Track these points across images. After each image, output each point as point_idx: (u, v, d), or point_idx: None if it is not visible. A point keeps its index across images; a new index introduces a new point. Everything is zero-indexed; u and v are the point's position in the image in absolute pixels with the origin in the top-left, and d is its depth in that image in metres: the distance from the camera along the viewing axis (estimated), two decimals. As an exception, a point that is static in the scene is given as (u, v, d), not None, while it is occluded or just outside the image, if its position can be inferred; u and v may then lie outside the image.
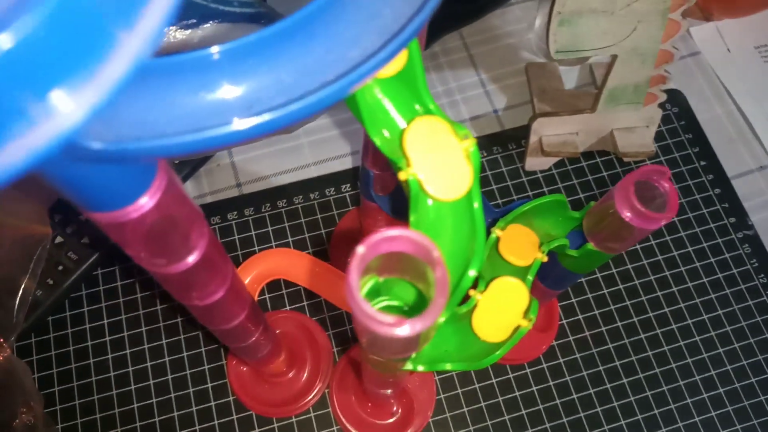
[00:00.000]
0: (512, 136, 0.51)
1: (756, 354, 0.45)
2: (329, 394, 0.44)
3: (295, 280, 0.45)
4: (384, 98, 0.21)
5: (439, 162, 0.20)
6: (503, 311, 0.26)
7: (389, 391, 0.41)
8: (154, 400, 0.43)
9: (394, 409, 0.43)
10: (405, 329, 0.16)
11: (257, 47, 0.16)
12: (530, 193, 0.49)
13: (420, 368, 0.24)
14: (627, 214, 0.27)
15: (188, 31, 0.39)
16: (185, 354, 0.44)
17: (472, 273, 0.20)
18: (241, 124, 0.15)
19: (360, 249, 0.16)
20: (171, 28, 0.39)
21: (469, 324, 0.26)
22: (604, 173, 0.50)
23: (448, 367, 0.25)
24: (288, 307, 0.46)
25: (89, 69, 0.09)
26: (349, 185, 0.50)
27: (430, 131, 0.21)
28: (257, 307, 0.31)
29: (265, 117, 0.15)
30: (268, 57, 0.16)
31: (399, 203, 0.37)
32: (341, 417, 0.43)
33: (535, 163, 0.50)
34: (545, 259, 0.29)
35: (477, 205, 0.21)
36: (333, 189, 0.50)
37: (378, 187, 0.37)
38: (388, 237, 0.16)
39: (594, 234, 0.30)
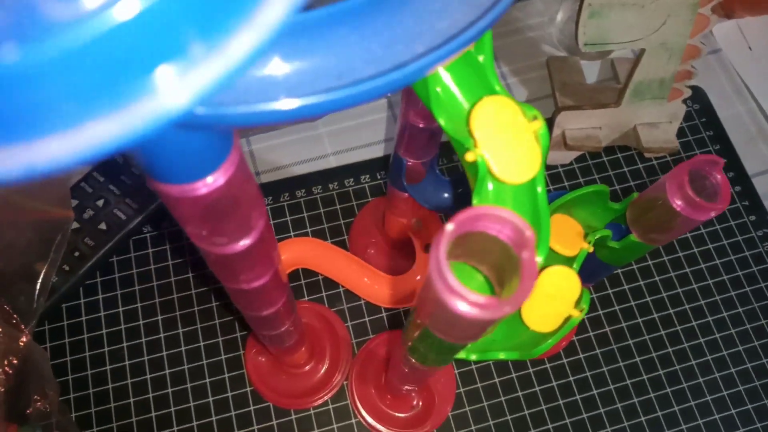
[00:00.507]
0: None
1: (776, 352, 0.45)
2: (348, 387, 0.43)
3: (317, 269, 0.44)
4: (449, 78, 0.21)
5: (507, 143, 0.20)
6: (553, 301, 0.25)
7: (413, 386, 0.41)
8: (169, 390, 0.42)
9: (415, 402, 0.43)
10: (495, 311, 0.15)
11: (347, 15, 0.15)
12: (551, 187, 0.49)
13: (473, 357, 0.24)
14: (678, 203, 0.26)
15: None
16: (202, 344, 0.43)
17: (538, 260, 0.20)
18: (333, 94, 0.14)
19: (449, 226, 0.15)
20: None
21: (518, 313, 0.25)
22: (625, 169, 0.50)
23: (501, 356, 0.24)
24: (307, 298, 0.45)
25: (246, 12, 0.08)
26: (368, 176, 0.49)
27: (497, 111, 0.20)
28: (292, 295, 0.30)
29: (355, 89, 0.14)
30: (358, 26, 0.15)
31: (430, 192, 0.37)
32: (360, 409, 0.42)
33: (556, 157, 0.49)
34: (591, 249, 0.28)
35: (541, 189, 0.20)
36: (352, 180, 0.49)
37: (409, 177, 0.36)
38: (477, 215, 0.15)
39: (638, 225, 0.29)
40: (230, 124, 0.13)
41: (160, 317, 0.44)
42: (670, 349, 0.45)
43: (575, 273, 0.25)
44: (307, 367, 0.43)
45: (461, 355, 0.24)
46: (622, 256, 0.32)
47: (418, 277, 0.45)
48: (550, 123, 0.48)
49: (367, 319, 0.45)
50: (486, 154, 0.20)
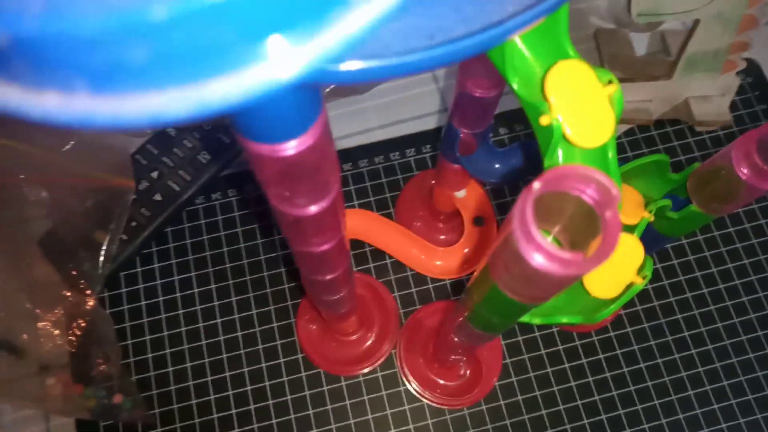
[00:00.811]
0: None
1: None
2: (396, 355, 0.44)
3: (367, 240, 0.45)
4: (523, 42, 0.21)
5: (582, 107, 0.20)
6: (616, 267, 0.25)
7: (461, 356, 0.41)
8: (224, 356, 0.43)
9: (462, 372, 0.43)
10: (579, 267, 0.15)
11: None
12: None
13: (536, 321, 0.24)
14: (744, 171, 0.26)
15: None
16: (254, 311, 0.45)
17: None
18: (427, 53, 0.14)
19: (536, 184, 0.15)
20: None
21: (580, 280, 0.26)
22: (675, 143, 0.49)
23: (564, 320, 0.24)
24: (355, 269, 0.46)
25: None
26: (413, 150, 0.49)
27: (572, 75, 0.20)
28: (352, 262, 0.31)
29: (448, 48, 0.14)
30: None
31: (482, 163, 0.37)
32: (408, 377, 0.43)
33: (605, 130, 0.49)
34: (652, 218, 0.28)
35: (612, 154, 0.21)
36: (398, 153, 0.49)
37: (462, 148, 0.36)
38: (564, 173, 0.16)
39: (699, 195, 0.29)
40: (340, 81, 0.14)
41: (213, 286, 0.45)
42: (719, 324, 0.44)
43: (638, 240, 0.25)
44: (356, 336, 0.44)
45: (525, 318, 0.24)
46: (680, 227, 0.32)
47: (466, 250, 0.46)
48: (598, 96, 0.48)
49: (414, 290, 0.45)
50: (560, 118, 0.20)
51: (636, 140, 0.49)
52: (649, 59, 0.51)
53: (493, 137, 0.50)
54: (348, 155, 0.49)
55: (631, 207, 0.29)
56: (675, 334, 0.44)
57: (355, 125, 0.50)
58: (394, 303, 0.45)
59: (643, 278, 0.25)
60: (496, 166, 0.37)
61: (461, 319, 0.29)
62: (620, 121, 0.47)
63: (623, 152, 0.49)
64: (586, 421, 0.42)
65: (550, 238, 0.21)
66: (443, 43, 0.15)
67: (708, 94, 0.47)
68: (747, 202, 0.28)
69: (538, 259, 0.15)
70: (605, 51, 0.51)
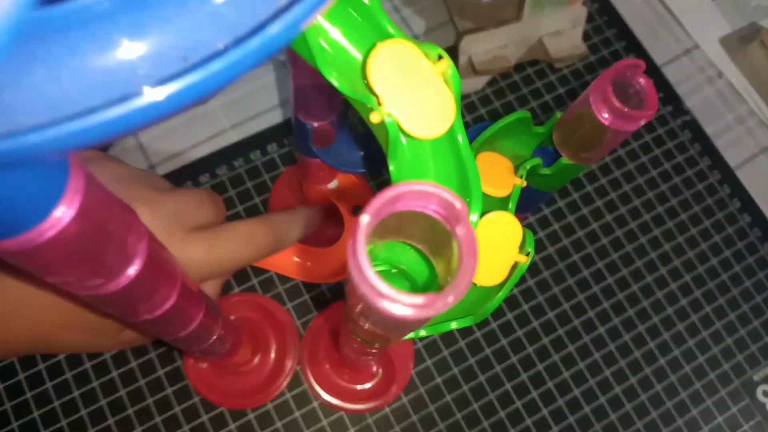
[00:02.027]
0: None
1: (702, 221, 0.45)
2: (302, 370, 0.40)
3: None
4: (332, 27, 0.17)
5: (415, 94, 0.17)
6: (496, 250, 0.23)
7: (370, 357, 0.38)
8: (110, 421, 0.38)
9: (375, 369, 0.41)
10: (436, 306, 0.13)
11: None
12: (468, 118, 0.47)
13: (422, 333, 0.22)
14: (605, 116, 0.24)
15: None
16: (134, 364, 0.40)
17: (473, 217, 0.17)
18: (183, 81, 0.10)
19: (364, 218, 0.12)
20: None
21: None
22: (538, 83, 0.48)
23: (453, 326, 0.22)
24: (237, 289, 0.42)
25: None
26: (275, 144, 0.45)
27: (396, 58, 0.17)
28: (211, 300, 0.27)
29: (206, 71, 0.11)
30: None
31: (346, 154, 0.33)
32: (319, 391, 0.40)
33: (467, 85, 0.47)
34: (524, 183, 0.26)
35: (462, 138, 0.18)
36: (258, 151, 0.45)
37: (317, 140, 0.33)
38: (395, 196, 0.12)
39: (567, 146, 0.27)
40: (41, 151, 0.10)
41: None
42: (625, 272, 0.44)
43: (513, 216, 0.23)
44: (255, 362, 0.40)
45: (409, 335, 0.21)
46: (556, 181, 0.30)
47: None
48: (454, 50, 0.46)
49: (307, 296, 0.42)
50: (393, 111, 0.17)
51: (500, 89, 0.48)
52: (496, 3, 0.49)
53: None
54: (204, 165, 0.44)
55: (501, 176, 0.26)
56: (570, 299, 0.43)
57: (204, 130, 0.45)
58: (288, 316, 0.41)
59: (527, 255, 0.23)
60: (361, 153, 0.34)
61: (347, 332, 0.26)
62: (480, 72, 0.45)
63: (489, 104, 0.47)
64: (508, 386, 0.41)
65: (412, 250, 0.18)
66: (200, 62, 0.11)
67: (560, 29, 0.46)
68: (614, 145, 0.27)
69: (387, 309, 0.12)
70: (452, 3, 0.48)
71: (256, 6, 0.11)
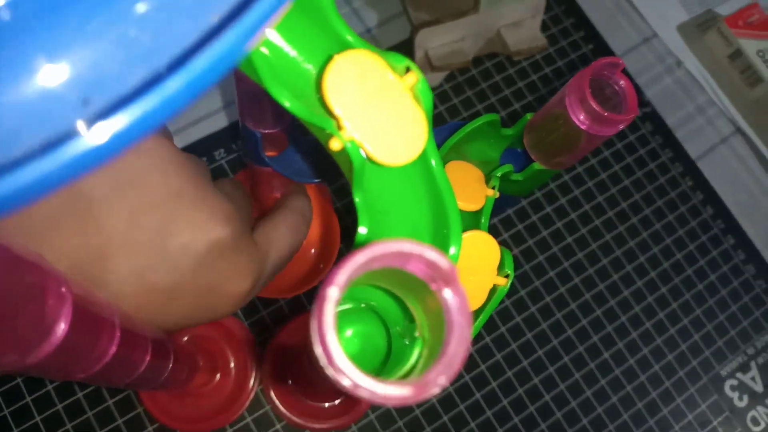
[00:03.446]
0: (393, 55, 0.46)
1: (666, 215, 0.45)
2: (264, 390, 0.38)
3: None
4: (279, 37, 0.15)
5: (380, 114, 0.15)
6: (473, 272, 0.21)
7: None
8: (55, 462, 0.35)
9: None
10: (427, 394, 0.10)
11: None
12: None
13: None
14: (581, 119, 0.23)
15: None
16: (80, 394, 0.36)
17: (453, 251, 0.15)
18: (100, 130, 0.08)
19: (331, 292, 0.10)
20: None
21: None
22: (497, 77, 0.46)
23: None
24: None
25: None
26: (223, 150, 0.42)
27: (357, 72, 0.15)
28: (159, 336, 0.24)
29: (119, 121, 0.08)
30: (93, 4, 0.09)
31: (300, 162, 0.31)
32: (284, 411, 0.37)
33: (425, 81, 0.45)
34: (497, 194, 0.24)
35: (435, 162, 0.16)
36: (205, 159, 0.42)
37: (268, 148, 0.30)
38: (366, 261, 0.10)
39: (539, 150, 0.26)
40: None
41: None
42: (591, 271, 0.43)
43: (489, 236, 0.21)
44: (215, 382, 0.38)
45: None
46: (526, 187, 0.29)
47: (313, 251, 0.40)
48: (409, 44, 0.43)
49: (264, 312, 0.39)
50: (356, 136, 0.14)
51: (458, 84, 0.46)
52: (451, -7, 0.47)
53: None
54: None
55: (472, 187, 0.24)
56: (537, 302, 0.42)
57: (145, 137, 0.42)
58: (246, 333, 0.39)
59: (506, 277, 0.21)
60: (315, 160, 0.31)
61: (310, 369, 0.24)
62: (437, 68, 0.43)
63: (448, 100, 0.45)
64: (462, 407, 0.39)
65: (383, 294, 0.16)
66: (111, 106, 0.09)
67: (518, 20, 0.44)
68: (589, 150, 0.25)
69: (366, 397, 0.10)
70: (405, -7, 0.46)
71: (179, 28, 0.09)
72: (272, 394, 0.38)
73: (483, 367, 0.40)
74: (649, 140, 0.46)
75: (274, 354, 0.39)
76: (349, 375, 0.10)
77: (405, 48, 0.45)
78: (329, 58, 0.15)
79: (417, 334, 0.14)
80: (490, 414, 0.39)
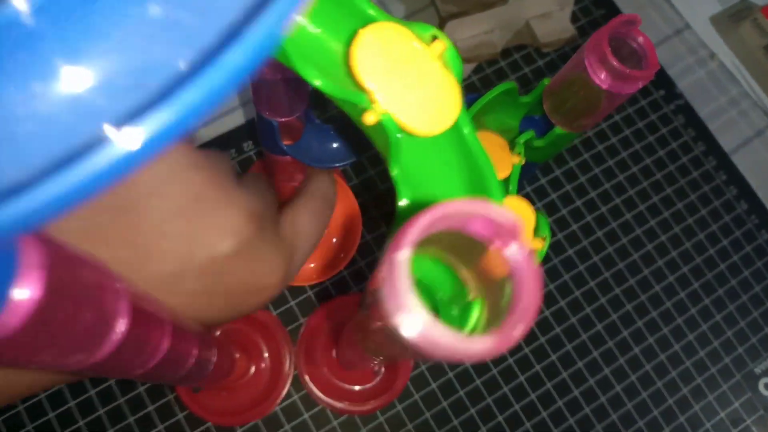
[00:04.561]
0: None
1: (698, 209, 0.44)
2: (299, 375, 0.38)
3: None
4: (305, 19, 0.15)
5: (411, 83, 0.15)
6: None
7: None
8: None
9: (376, 369, 0.39)
10: (505, 346, 0.10)
11: None
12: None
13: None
14: (602, 78, 0.22)
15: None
16: (121, 400, 0.37)
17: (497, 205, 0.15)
18: (151, 124, 0.08)
19: (403, 254, 0.10)
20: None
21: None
22: (526, 69, 0.46)
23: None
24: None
25: None
26: (233, 150, 0.42)
27: (384, 45, 0.15)
28: (202, 330, 0.24)
29: (192, 96, 0.08)
30: None
31: (315, 148, 0.31)
32: (319, 395, 0.38)
33: (452, 73, 0.45)
34: (523, 161, 0.24)
35: (468, 130, 0.15)
36: (234, 150, 0.42)
37: (286, 136, 0.30)
38: (429, 223, 0.10)
39: (559, 114, 0.26)
40: None
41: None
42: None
43: (523, 200, 0.21)
44: (252, 371, 0.38)
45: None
46: (549, 152, 0.29)
47: (334, 239, 0.40)
48: (437, 37, 0.43)
49: (293, 303, 0.40)
50: (390, 108, 0.14)
51: (486, 76, 0.45)
52: (480, -15, 0.47)
53: (325, 111, 0.44)
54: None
55: (498, 156, 0.25)
56: (566, 296, 0.42)
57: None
58: (276, 321, 0.39)
59: (543, 240, 0.21)
60: (334, 145, 0.31)
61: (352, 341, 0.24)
62: (465, 60, 0.43)
63: (476, 92, 0.45)
64: (506, 389, 0.39)
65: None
66: (160, 95, 0.08)
67: (547, 11, 0.44)
68: (610, 110, 0.25)
69: (445, 354, 0.10)
70: (433, -15, 0.46)
71: (215, 9, 0.09)
72: (307, 378, 0.38)
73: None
74: (681, 133, 0.46)
75: (308, 339, 0.39)
76: (436, 335, 0.10)
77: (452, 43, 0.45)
78: (354, 34, 0.15)
79: (471, 297, 0.14)
80: (517, 407, 0.38)
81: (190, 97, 0.08)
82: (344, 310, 0.39)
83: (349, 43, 0.15)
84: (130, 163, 0.08)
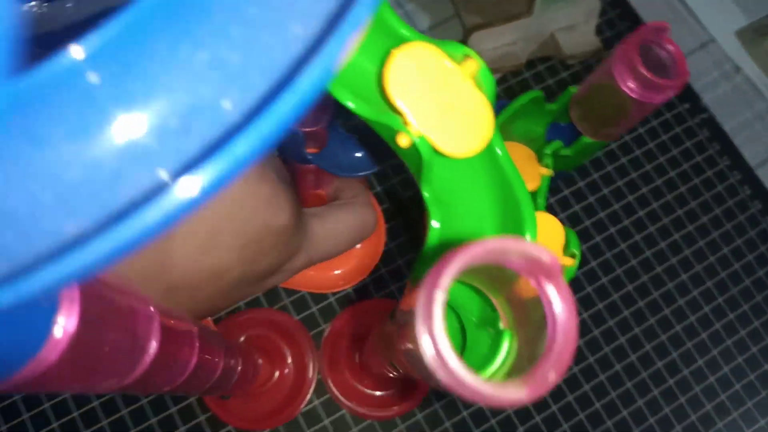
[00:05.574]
0: (445, 58, 0.46)
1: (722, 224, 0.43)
2: (323, 380, 0.38)
3: None
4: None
5: (444, 104, 0.15)
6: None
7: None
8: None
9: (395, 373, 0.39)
10: (537, 394, 0.11)
11: (159, 18, 0.09)
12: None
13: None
14: (630, 86, 0.23)
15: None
16: (144, 401, 0.37)
17: (528, 239, 0.15)
18: (210, 170, 0.08)
19: (439, 295, 0.10)
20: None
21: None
22: (550, 81, 0.46)
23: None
24: (243, 304, 0.40)
25: None
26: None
27: (416, 65, 0.15)
28: (225, 340, 0.25)
29: (250, 141, 0.08)
30: (180, 31, 0.09)
31: (340, 157, 0.31)
32: (342, 399, 0.38)
33: (476, 84, 0.45)
34: (551, 173, 0.24)
35: (501, 150, 0.16)
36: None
37: (310, 144, 0.31)
38: (466, 263, 0.10)
39: (587, 123, 0.26)
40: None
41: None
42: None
43: (552, 217, 0.21)
44: (276, 376, 0.38)
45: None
46: (576, 161, 0.29)
47: (358, 247, 0.41)
48: (461, 48, 0.44)
49: (315, 308, 0.40)
50: (423, 129, 0.15)
51: (510, 87, 0.46)
52: (504, -3, 0.47)
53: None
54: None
55: (525, 167, 0.25)
56: (590, 308, 0.42)
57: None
58: (299, 326, 0.39)
59: (573, 257, 0.21)
60: (358, 154, 0.32)
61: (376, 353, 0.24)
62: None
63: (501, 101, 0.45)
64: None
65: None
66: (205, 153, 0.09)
67: (572, 23, 0.44)
68: (639, 119, 0.25)
69: (478, 399, 0.10)
70: (458, -3, 0.46)
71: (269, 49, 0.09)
72: (330, 383, 0.38)
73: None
74: (706, 147, 0.45)
75: (332, 344, 0.39)
76: (465, 380, 0.10)
77: (484, 63, 0.46)
78: (387, 55, 0.15)
79: (502, 325, 0.15)
80: (538, 418, 0.38)
81: (247, 144, 0.08)
82: (368, 315, 0.40)
83: (382, 63, 0.15)
84: (186, 210, 0.08)
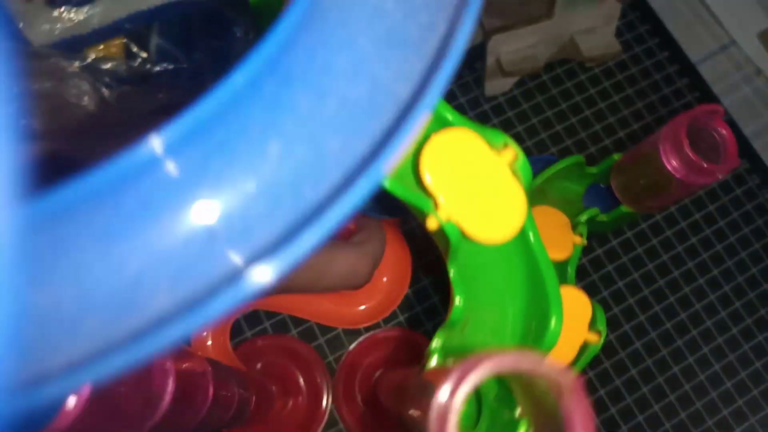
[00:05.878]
0: (463, 61, 0.45)
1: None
2: (337, 410, 0.38)
3: (272, 309, 0.39)
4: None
5: (478, 190, 0.15)
6: (564, 327, 0.21)
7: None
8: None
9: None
10: None
11: (232, 107, 0.09)
12: (495, 120, 0.44)
13: None
14: (675, 165, 0.22)
15: (85, 9, 0.29)
16: None
17: (553, 324, 0.16)
18: (288, 253, 0.08)
19: (455, 405, 0.11)
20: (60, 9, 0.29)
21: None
22: (568, 84, 0.46)
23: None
24: (249, 333, 0.39)
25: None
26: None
27: (454, 150, 0.15)
28: (240, 371, 0.26)
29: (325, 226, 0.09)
30: (261, 119, 0.09)
31: (385, 200, 0.31)
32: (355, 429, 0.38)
33: (495, 86, 0.44)
34: (585, 243, 0.24)
35: (534, 237, 0.16)
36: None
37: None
38: (485, 375, 0.11)
39: (628, 193, 0.26)
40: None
41: None
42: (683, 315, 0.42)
43: (582, 292, 0.21)
44: (289, 405, 0.38)
45: None
46: (610, 226, 0.29)
47: (385, 279, 0.40)
48: (481, 50, 0.43)
49: (322, 340, 0.39)
50: (453, 214, 0.15)
51: (528, 90, 0.45)
52: (525, 0, 0.46)
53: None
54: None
55: (558, 234, 0.24)
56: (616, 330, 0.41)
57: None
58: (313, 353, 0.39)
59: (598, 334, 0.21)
60: (388, 197, 0.32)
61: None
62: (509, 73, 0.43)
63: (517, 106, 0.45)
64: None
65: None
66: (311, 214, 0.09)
67: (592, 27, 0.44)
68: (681, 198, 0.25)
69: None
70: None
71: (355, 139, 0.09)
72: (344, 414, 0.38)
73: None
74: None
75: (345, 374, 0.39)
76: None
77: (476, 53, 0.45)
78: (427, 137, 0.15)
79: (518, 413, 0.15)
80: None
81: (316, 234, 0.08)
82: (382, 346, 0.39)
83: (421, 144, 0.15)
84: (257, 294, 0.08)
